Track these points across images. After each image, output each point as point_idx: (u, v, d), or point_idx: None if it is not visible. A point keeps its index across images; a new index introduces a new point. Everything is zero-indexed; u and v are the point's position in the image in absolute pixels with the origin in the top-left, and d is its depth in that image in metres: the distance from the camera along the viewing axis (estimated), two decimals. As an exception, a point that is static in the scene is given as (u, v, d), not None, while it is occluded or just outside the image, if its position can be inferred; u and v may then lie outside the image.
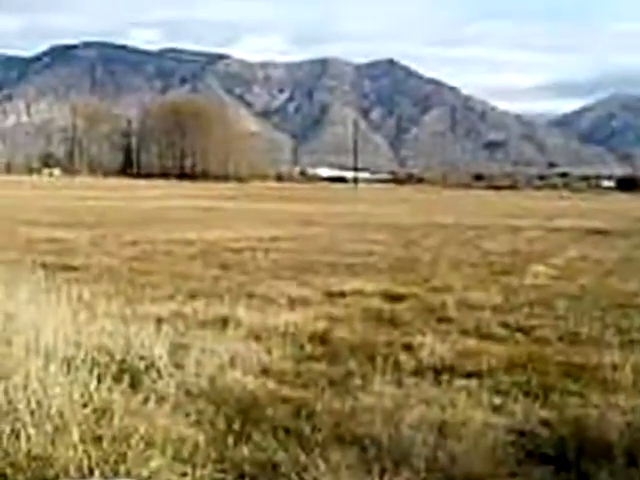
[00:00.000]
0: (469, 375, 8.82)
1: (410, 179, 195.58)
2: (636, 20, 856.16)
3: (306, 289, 14.78)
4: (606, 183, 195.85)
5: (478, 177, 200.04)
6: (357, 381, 8.30)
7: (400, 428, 6.59)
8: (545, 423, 7.17)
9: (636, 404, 7.75)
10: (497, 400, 7.86)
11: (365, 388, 8.01)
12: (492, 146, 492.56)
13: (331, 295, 14.19)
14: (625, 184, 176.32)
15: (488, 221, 41.22)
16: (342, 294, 14.24)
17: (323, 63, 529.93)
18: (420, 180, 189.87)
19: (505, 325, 11.86)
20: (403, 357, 9.42)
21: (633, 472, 6.08)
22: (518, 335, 11.27)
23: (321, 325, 11.03)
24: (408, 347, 9.94)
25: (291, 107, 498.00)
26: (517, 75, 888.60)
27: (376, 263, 19.76)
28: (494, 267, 19.60)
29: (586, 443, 6.53)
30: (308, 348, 9.74)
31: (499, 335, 11.19)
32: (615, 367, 9.15)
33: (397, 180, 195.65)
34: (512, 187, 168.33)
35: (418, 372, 8.83)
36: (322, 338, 10.24)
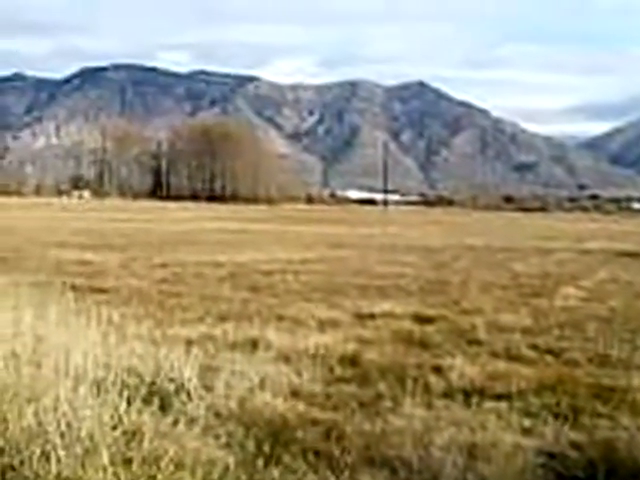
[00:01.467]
0: (499, 397, 8.81)
1: (440, 201, 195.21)
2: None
3: (336, 311, 14.80)
4: (636, 205, 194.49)
5: (508, 199, 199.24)
6: (387, 403, 8.32)
7: (430, 450, 6.61)
8: (575, 445, 7.15)
9: (669, 427, 7.72)
10: (527, 422, 7.85)
11: (395, 410, 8.03)
12: (522, 168, 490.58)
13: (361, 317, 14.20)
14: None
15: (518, 243, 41.08)
16: (372, 316, 14.25)
17: (353, 85, 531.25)
18: (450, 202, 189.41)
19: (535, 347, 11.82)
20: (433, 379, 9.42)
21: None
22: (548, 357, 11.23)
23: (351, 347, 11.06)
24: (438, 369, 9.94)
25: (321, 129, 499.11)
26: (547, 97, 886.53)
27: (406, 285, 19.74)
28: (524, 289, 19.53)
29: (616, 465, 6.52)
30: (338, 370, 9.76)
31: (529, 357, 11.15)
32: (644, 389, 9.13)
33: (427, 202, 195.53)
34: (542, 209, 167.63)
35: (448, 394, 8.82)
36: (352, 360, 10.26)
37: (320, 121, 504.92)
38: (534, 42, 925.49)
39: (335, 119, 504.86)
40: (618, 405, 8.57)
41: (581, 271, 25.27)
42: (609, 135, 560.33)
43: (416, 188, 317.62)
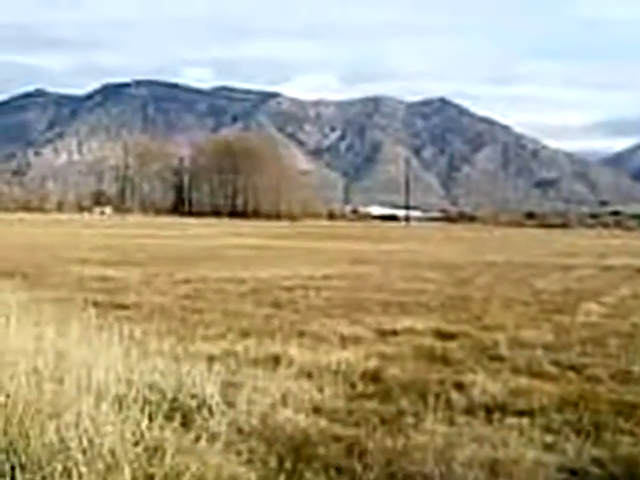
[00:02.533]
0: (521, 413, 8.81)
1: (462, 217, 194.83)
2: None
3: (358, 327, 14.81)
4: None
5: (530, 215, 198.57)
6: (409, 419, 8.33)
7: (452, 466, 6.62)
8: (597, 461, 7.15)
9: (687, 443, 7.70)
10: (549, 438, 7.84)
11: (417, 426, 8.04)
12: (544, 184, 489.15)
13: (383, 333, 14.22)
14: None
15: (540, 260, 40.98)
16: (394, 332, 14.26)
17: (375, 101, 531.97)
18: (472, 218, 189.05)
19: (557, 363, 11.80)
20: (455, 395, 9.43)
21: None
22: (570, 373, 11.21)
23: (373, 363, 11.08)
24: (460, 385, 9.95)
25: (343, 145, 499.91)
26: (569, 113, 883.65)
27: (428, 301, 19.72)
28: (546, 305, 19.49)
29: (637, 481, 6.52)
30: (360, 386, 9.78)
31: (551, 373, 11.14)
32: (668, 407, 9.11)
33: (449, 218, 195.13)
34: (564, 225, 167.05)
35: (470, 411, 8.83)
36: (374, 376, 10.28)
37: (342, 137, 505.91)
38: (555, 58, 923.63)
39: (357, 135, 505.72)
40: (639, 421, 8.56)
41: (603, 287, 25.18)
42: (631, 151, 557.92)
43: (438, 204, 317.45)
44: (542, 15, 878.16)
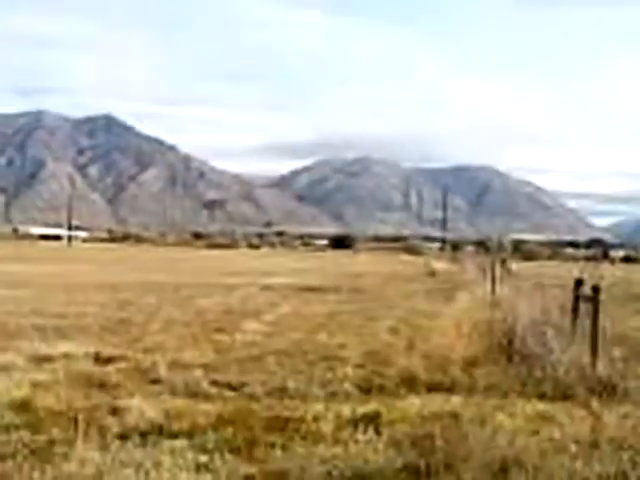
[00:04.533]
0: (177, 435, 8.81)
1: (129, 237, 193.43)
2: (350, 90, 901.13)
3: (9, 354, 14.10)
4: (320, 241, 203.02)
5: (197, 236, 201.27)
6: (60, 449, 8.06)
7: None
8: (249, 478, 7.29)
9: (335, 453, 8.08)
10: (203, 458, 7.90)
11: (68, 455, 7.79)
12: (211, 205, 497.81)
13: (37, 360, 13.68)
14: (337, 242, 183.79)
15: (204, 279, 41.48)
16: (49, 358, 13.77)
17: (38, 115, 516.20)
18: (139, 239, 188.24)
19: (215, 383, 11.95)
20: (110, 421, 9.27)
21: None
22: (228, 392, 11.41)
23: (24, 391, 10.62)
24: (115, 410, 9.78)
25: (2, 161, 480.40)
26: (236, 135, 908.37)
27: (88, 325, 19.26)
28: (208, 325, 19.70)
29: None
30: (7, 417, 9.31)
31: (209, 393, 11.27)
32: (317, 418, 9.51)
33: (115, 239, 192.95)
34: (230, 246, 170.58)
35: (125, 435, 8.70)
36: (24, 405, 9.84)
37: (1, 152, 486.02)
38: (225, 81, 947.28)
39: (17, 151, 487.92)
40: (292, 435, 8.85)
41: (264, 306, 25.91)
42: (296, 173, 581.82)
43: (104, 224, 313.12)
44: (216, 40, 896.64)
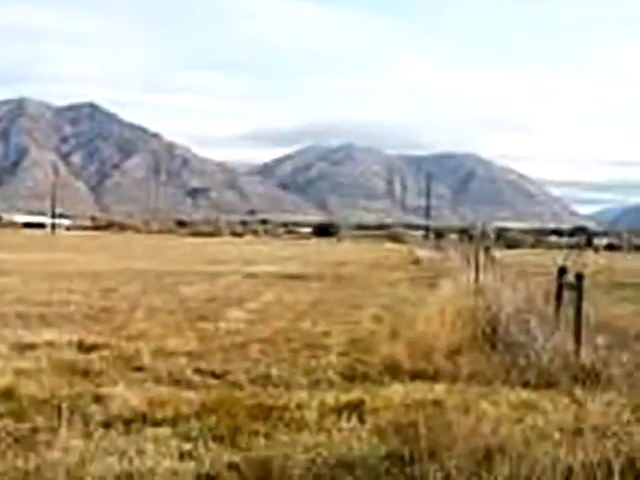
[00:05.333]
0: (160, 423, 8.80)
1: (112, 225, 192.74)
2: (334, 77, 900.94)
3: (-8, 342, 14.09)
4: (304, 229, 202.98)
5: (181, 223, 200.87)
6: (43, 437, 8.02)
7: (85, 482, 6.46)
8: (233, 466, 7.27)
9: (319, 440, 8.08)
10: (186, 446, 7.88)
11: (51, 443, 7.76)
12: (195, 193, 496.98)
13: (21, 347, 13.63)
14: (321, 230, 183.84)
15: (188, 268, 41.43)
16: (33, 346, 13.72)
17: (20, 103, 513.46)
18: (122, 227, 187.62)
19: (199, 371, 11.95)
20: (94, 409, 9.24)
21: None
22: (212, 380, 11.40)
23: (7, 379, 10.57)
24: (99, 398, 9.76)
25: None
26: (220, 123, 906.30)
27: (72, 313, 19.22)
28: (191, 313, 19.68)
29: (268, 481, 6.72)
30: (-9, 405, 9.30)
31: (193, 381, 11.26)
32: (301, 406, 9.52)
33: (98, 227, 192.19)
34: (214, 233, 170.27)
35: (108, 423, 8.67)
36: (7, 393, 9.81)
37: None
38: (209, 70, 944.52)
39: (0, 139, 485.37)
40: (276, 423, 8.84)
41: (248, 294, 25.91)
42: (279, 161, 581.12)
43: (87, 212, 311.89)
44: (200, 28, 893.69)
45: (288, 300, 24.13)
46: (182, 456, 7.57)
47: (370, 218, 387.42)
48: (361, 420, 8.95)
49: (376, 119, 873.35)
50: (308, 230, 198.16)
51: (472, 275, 27.87)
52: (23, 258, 47.94)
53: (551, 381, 11.35)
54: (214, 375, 11.75)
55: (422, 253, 69.44)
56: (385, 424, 8.74)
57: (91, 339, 14.65)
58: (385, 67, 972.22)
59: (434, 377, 11.67)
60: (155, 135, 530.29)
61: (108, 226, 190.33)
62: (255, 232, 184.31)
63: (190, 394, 10.24)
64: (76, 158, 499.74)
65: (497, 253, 33.79)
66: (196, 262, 48.52)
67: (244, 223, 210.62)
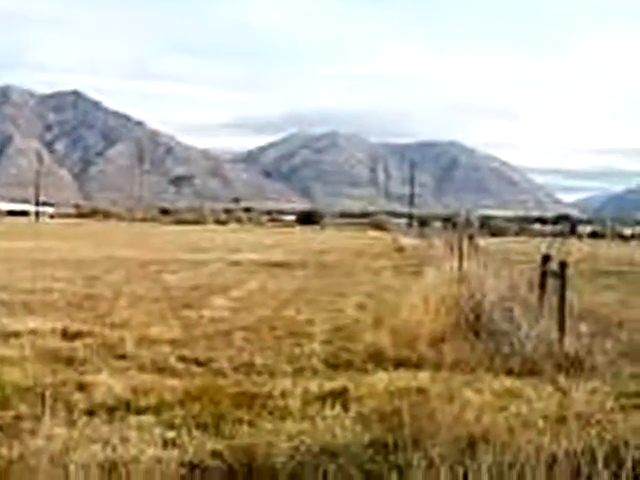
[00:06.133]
0: (144, 411, 8.78)
1: (96, 213, 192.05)
2: (317, 65, 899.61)
3: (-25, 330, 14.03)
4: (287, 217, 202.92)
5: (165, 211, 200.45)
6: (27, 425, 8.00)
7: (68, 470, 6.43)
8: (216, 454, 7.26)
9: (303, 428, 8.08)
10: (170, 434, 7.86)
11: (35, 431, 7.73)
12: (179, 181, 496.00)
13: (4, 335, 13.58)
14: (304, 218, 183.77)
15: (172, 255, 41.33)
16: (16, 334, 13.67)
17: (4, 91, 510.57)
18: (106, 214, 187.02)
19: (183, 359, 11.93)
20: (77, 396, 9.23)
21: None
22: (195, 368, 11.38)
23: (-10, 368, 10.55)
24: (83, 386, 9.74)
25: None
26: (203, 111, 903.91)
27: (55, 301, 19.16)
28: (175, 301, 19.63)
29: (254, 471, 6.71)
30: (-26, 393, 9.26)
31: (176, 369, 11.25)
32: (285, 394, 9.52)
33: (82, 214, 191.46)
34: (198, 221, 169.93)
35: (92, 411, 8.65)
36: (-10, 382, 9.78)
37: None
38: (193, 57, 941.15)
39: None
40: (260, 411, 8.84)
41: (232, 282, 25.88)
42: (263, 149, 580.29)
43: (71, 199, 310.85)
44: (184, 15, 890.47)
45: (272, 288, 24.13)
46: (166, 444, 7.56)
47: (354, 206, 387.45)
48: (345, 408, 8.95)
49: (360, 107, 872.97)
50: (292, 218, 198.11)
51: (456, 263, 27.89)
52: (6, 246, 47.70)
53: (535, 369, 11.39)
54: (198, 363, 11.73)
55: (406, 241, 69.51)
56: (369, 412, 8.76)
57: (75, 327, 14.59)
58: (369, 55, 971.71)
59: (418, 365, 11.68)
60: (139, 123, 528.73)
61: (92, 214, 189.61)
62: (239, 220, 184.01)
63: (174, 382, 10.22)
64: (60, 146, 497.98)
65: (481, 241, 33.83)
66: (180, 250, 48.40)
67: (228, 211, 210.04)
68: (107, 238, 68.51)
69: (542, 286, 14.37)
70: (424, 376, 10.84)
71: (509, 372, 11.28)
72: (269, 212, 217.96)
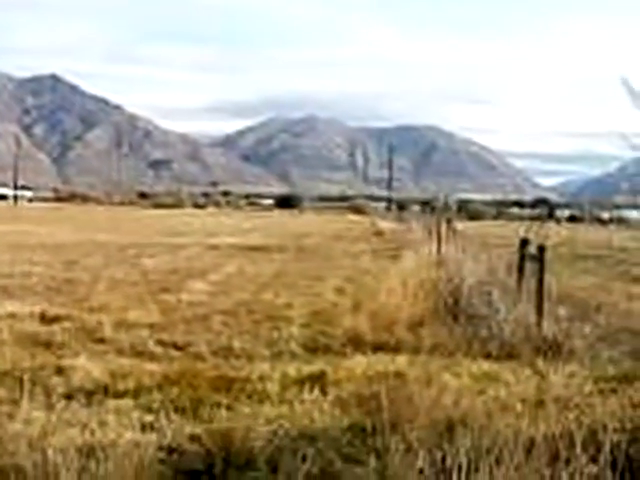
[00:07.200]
0: (122, 395, 8.77)
1: (74, 197, 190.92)
2: (295, 49, 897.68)
3: (-46, 314, 13.97)
4: (266, 201, 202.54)
5: (143, 195, 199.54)
6: (5, 408, 7.96)
7: (46, 454, 6.40)
8: (194, 438, 7.25)
9: (281, 412, 8.09)
10: (148, 418, 7.86)
11: (13, 415, 7.70)
12: (157, 164, 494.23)
13: (-18, 319, 13.52)
14: (283, 202, 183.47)
15: (150, 239, 41.16)
16: (-5, 318, 13.62)
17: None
18: (85, 198, 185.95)
19: (161, 343, 11.93)
20: (56, 380, 9.22)
21: (275, 479, 6.30)
22: (174, 352, 11.39)
23: (-33, 353, 10.50)
24: (61, 370, 9.73)
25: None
26: (181, 95, 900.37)
27: (34, 285, 19.08)
28: (153, 285, 19.59)
29: (232, 455, 6.71)
30: (-51, 378, 9.21)
31: (155, 353, 11.25)
32: (263, 378, 9.52)
33: (61, 198, 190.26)
34: (176, 205, 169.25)
35: (70, 395, 8.65)
36: (-34, 366, 9.74)
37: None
38: (170, 41, 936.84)
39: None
40: (238, 395, 8.84)
41: (210, 265, 25.84)
42: (241, 133, 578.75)
43: (50, 183, 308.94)
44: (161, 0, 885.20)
45: (250, 272, 24.10)
46: (144, 428, 7.55)
47: (332, 190, 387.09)
48: (323, 392, 8.97)
49: (338, 91, 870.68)
50: (270, 202, 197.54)
51: (434, 247, 27.98)
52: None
53: (513, 353, 11.44)
54: (176, 347, 11.73)
55: (384, 225, 69.58)
56: (347, 396, 8.77)
57: (53, 311, 14.55)
58: (347, 38, 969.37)
59: (396, 349, 11.71)
60: (117, 107, 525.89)
61: (70, 198, 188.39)
62: (217, 204, 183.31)
63: (152, 366, 10.22)
64: (38, 130, 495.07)
65: (459, 225, 33.88)
66: (158, 234, 48.20)
67: (206, 195, 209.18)
68: (86, 222, 68.18)
69: (520, 270, 14.42)
70: (402, 360, 10.86)
71: (487, 356, 11.33)
72: (247, 196, 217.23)
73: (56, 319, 13.75)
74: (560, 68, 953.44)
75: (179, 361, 10.66)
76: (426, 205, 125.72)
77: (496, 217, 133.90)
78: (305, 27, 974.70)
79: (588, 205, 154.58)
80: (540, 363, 10.65)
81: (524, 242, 14.32)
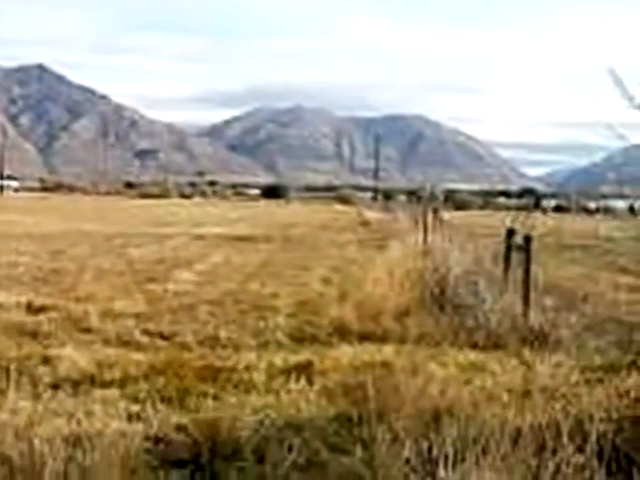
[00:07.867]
0: (109, 384, 8.77)
1: (60, 187, 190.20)
2: (282, 39, 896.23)
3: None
4: (252, 191, 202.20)
5: (129, 185, 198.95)
6: (-8, 399, 7.94)
7: (33, 444, 6.39)
8: (180, 428, 7.25)
9: (267, 402, 8.09)
10: (135, 408, 7.85)
11: (0, 405, 7.68)
12: (143, 154, 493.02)
13: (-31, 311, 13.48)
14: (269, 192, 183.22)
15: (136, 229, 41.04)
16: (-20, 308, 13.59)
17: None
18: (71, 188, 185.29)
19: (148, 332, 11.93)
20: (42, 370, 9.21)
21: (262, 469, 6.30)
22: (160, 341, 11.39)
23: (-47, 342, 10.47)
24: (47, 360, 9.71)
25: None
26: (169, 85, 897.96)
27: (20, 274, 19.04)
28: (140, 275, 19.56)
29: (218, 445, 6.71)
30: None
31: (141, 343, 11.24)
32: (249, 367, 9.53)
33: (47, 188, 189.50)
34: (163, 195, 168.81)
35: (57, 385, 8.65)
36: (-46, 355, 9.71)
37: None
38: (156, 31, 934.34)
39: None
40: (224, 385, 8.85)
41: (196, 255, 25.81)
42: (228, 123, 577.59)
43: (36, 173, 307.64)
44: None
45: (236, 262, 24.08)
46: (130, 418, 7.55)
47: (319, 180, 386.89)
48: (309, 382, 8.98)
49: (325, 80, 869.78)
50: (257, 192, 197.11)
51: (420, 237, 28.01)
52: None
53: (499, 343, 11.46)
54: (162, 337, 11.73)
55: (371, 215, 69.58)
56: (333, 386, 8.78)
57: (39, 301, 14.50)
58: (334, 28, 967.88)
59: (382, 339, 11.72)
60: (103, 97, 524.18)
61: (57, 188, 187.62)
62: (203, 194, 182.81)
63: (138, 356, 10.22)
64: (24, 120, 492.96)
65: (445, 215, 33.90)
66: (144, 224, 48.08)
67: (193, 185, 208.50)
68: (72, 212, 67.93)
69: (507, 260, 14.44)
70: (389, 350, 10.88)
71: (474, 346, 11.35)
72: (234, 186, 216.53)
73: (42, 309, 13.71)
74: (548, 58, 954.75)
75: (165, 351, 10.65)
76: (412, 195, 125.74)
77: (483, 207, 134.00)
78: (292, 17, 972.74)
79: (575, 195, 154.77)
80: (527, 353, 10.67)
81: (510, 232, 14.34)
